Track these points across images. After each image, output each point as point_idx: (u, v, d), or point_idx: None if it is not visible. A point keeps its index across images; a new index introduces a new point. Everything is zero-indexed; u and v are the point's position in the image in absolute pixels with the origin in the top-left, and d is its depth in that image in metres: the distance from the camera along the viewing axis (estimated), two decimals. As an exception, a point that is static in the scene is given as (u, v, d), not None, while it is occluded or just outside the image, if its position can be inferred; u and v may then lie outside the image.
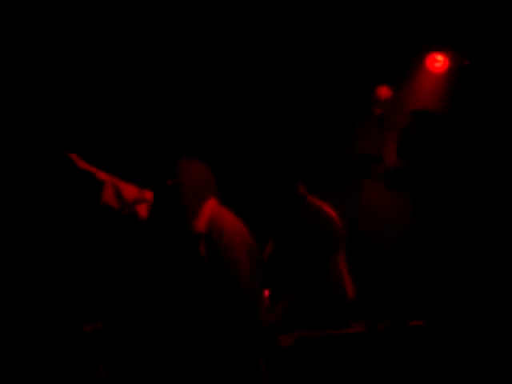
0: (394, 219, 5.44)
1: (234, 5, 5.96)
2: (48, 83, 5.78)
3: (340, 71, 6.54)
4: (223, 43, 6.21)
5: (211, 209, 3.86)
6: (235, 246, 3.75)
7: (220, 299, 3.67)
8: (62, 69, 5.84)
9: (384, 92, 6.60)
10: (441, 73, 6.35)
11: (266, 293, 4.82)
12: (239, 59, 6.35)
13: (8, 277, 5.27)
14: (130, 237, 4.11)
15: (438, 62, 6.36)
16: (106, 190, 4.20)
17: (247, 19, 6.10)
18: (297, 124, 6.64)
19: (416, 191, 4.05)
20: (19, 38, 5.63)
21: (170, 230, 3.87)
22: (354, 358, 4.44)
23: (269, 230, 4.96)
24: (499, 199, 4.17)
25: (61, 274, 5.36)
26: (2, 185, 5.45)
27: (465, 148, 4.18)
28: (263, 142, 6.53)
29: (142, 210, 4.03)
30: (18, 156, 5.56)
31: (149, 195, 4.11)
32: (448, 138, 4.04)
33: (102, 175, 4.18)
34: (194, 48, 6.19)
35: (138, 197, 4.11)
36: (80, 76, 5.94)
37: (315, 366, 4.46)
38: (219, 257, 3.71)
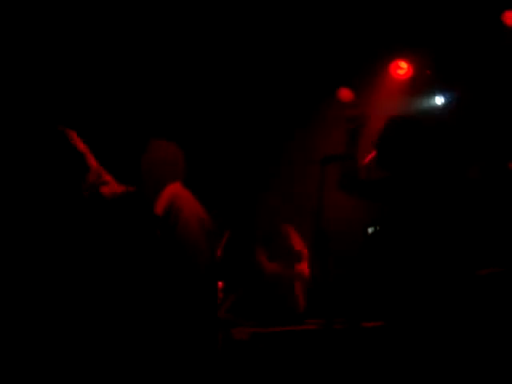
0: (355, 219, 5.47)
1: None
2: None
3: (304, 73, 6.56)
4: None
5: (172, 192, 3.89)
6: (191, 228, 3.77)
7: (176, 280, 3.66)
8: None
9: (345, 94, 6.64)
10: (404, 80, 6.42)
11: (220, 284, 4.80)
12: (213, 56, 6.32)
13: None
14: (94, 217, 4.07)
15: (402, 69, 6.42)
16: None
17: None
18: (259, 122, 6.65)
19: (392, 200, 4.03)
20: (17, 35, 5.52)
21: (132, 209, 3.86)
22: (308, 354, 4.43)
23: (226, 220, 4.94)
24: (466, 201, 4.21)
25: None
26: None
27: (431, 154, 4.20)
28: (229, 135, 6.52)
29: (105, 191, 3.98)
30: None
31: (108, 177, 4.07)
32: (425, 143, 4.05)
33: (92, 161, 4.10)
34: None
35: (96, 179, 4.04)
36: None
37: (269, 360, 4.43)
38: (175, 238, 3.70)
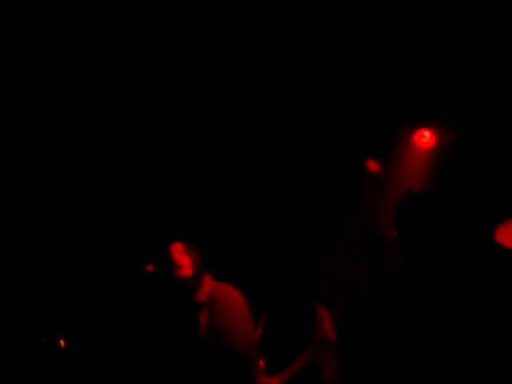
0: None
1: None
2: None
3: (329, 146, 6.75)
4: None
5: (211, 281, 4.29)
6: (239, 312, 4.15)
7: (218, 364, 3.96)
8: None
9: (373, 166, 6.82)
10: (428, 148, 6.59)
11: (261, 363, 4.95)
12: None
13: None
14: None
15: (425, 137, 6.60)
16: None
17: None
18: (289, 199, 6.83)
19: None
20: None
21: (174, 298, 4.16)
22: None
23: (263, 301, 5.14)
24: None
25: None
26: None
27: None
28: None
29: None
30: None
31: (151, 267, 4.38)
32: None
33: None
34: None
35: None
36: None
37: None
38: (222, 322, 4.04)
